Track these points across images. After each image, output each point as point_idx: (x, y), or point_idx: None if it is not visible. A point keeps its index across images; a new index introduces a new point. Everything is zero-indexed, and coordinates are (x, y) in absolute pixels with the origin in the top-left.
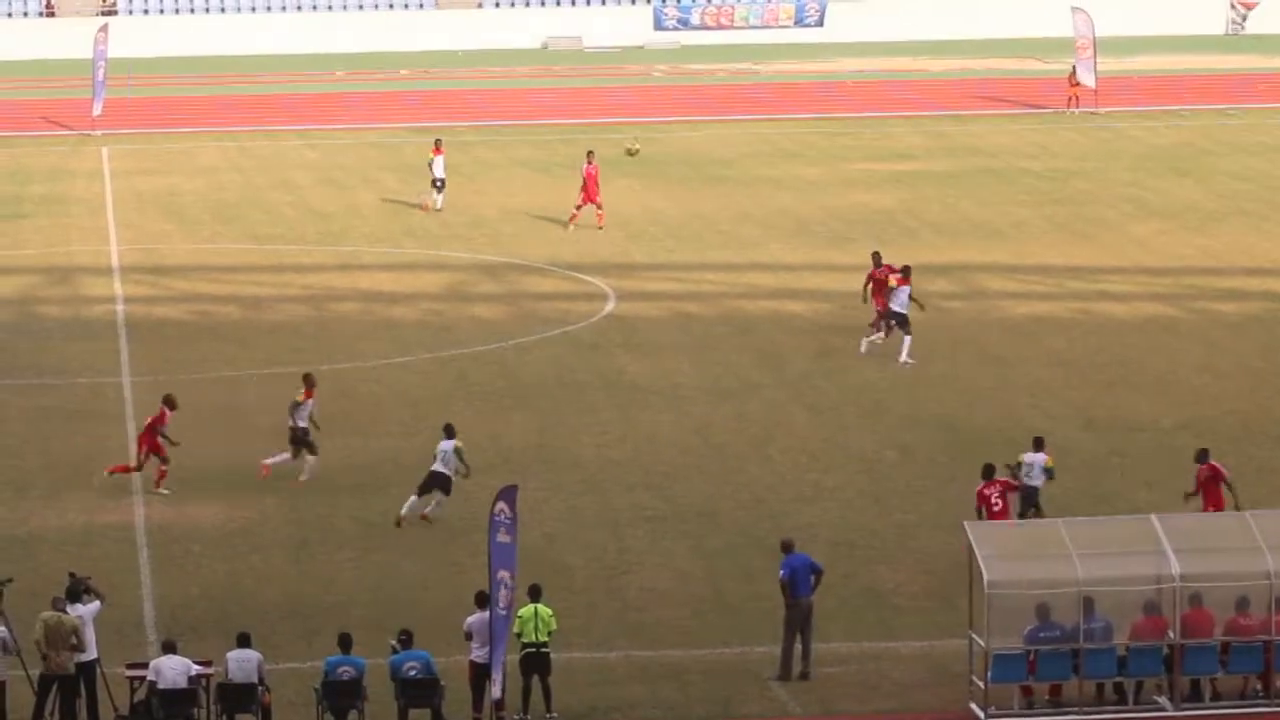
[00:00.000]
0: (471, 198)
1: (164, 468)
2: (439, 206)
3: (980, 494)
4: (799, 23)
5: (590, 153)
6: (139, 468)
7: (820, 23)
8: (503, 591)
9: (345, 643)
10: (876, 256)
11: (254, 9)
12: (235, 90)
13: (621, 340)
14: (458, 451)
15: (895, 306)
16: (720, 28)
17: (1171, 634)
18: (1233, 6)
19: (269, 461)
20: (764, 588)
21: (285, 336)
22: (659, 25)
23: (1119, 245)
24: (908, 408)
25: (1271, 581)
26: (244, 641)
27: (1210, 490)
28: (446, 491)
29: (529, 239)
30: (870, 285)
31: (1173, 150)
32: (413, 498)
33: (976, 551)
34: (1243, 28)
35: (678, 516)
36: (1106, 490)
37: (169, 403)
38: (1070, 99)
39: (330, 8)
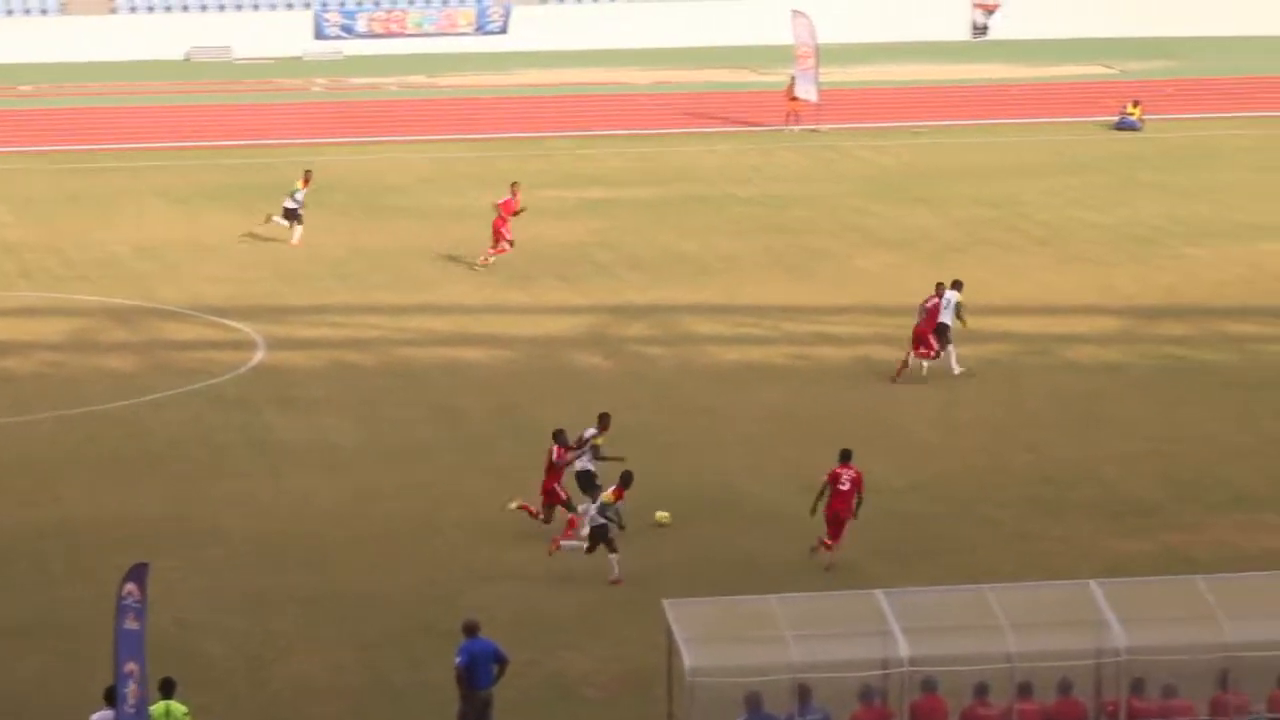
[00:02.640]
0: (101, 232)
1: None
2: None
3: (833, 474)
4: (480, 30)
5: (515, 184)
6: (545, 520)
7: (504, 29)
8: (131, 686)
9: None
10: (940, 287)
11: None
12: None
13: (272, 395)
14: (603, 507)
15: (944, 318)
16: (390, 35)
17: None
18: (975, 8)
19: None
20: (433, 676)
21: None
22: (320, 34)
23: (843, 281)
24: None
25: (1013, 665)
26: None
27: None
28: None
29: (166, 280)
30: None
31: (905, 172)
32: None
33: (675, 633)
34: (985, 33)
35: (335, 597)
36: (823, 560)
37: (559, 439)
38: (789, 115)
39: None
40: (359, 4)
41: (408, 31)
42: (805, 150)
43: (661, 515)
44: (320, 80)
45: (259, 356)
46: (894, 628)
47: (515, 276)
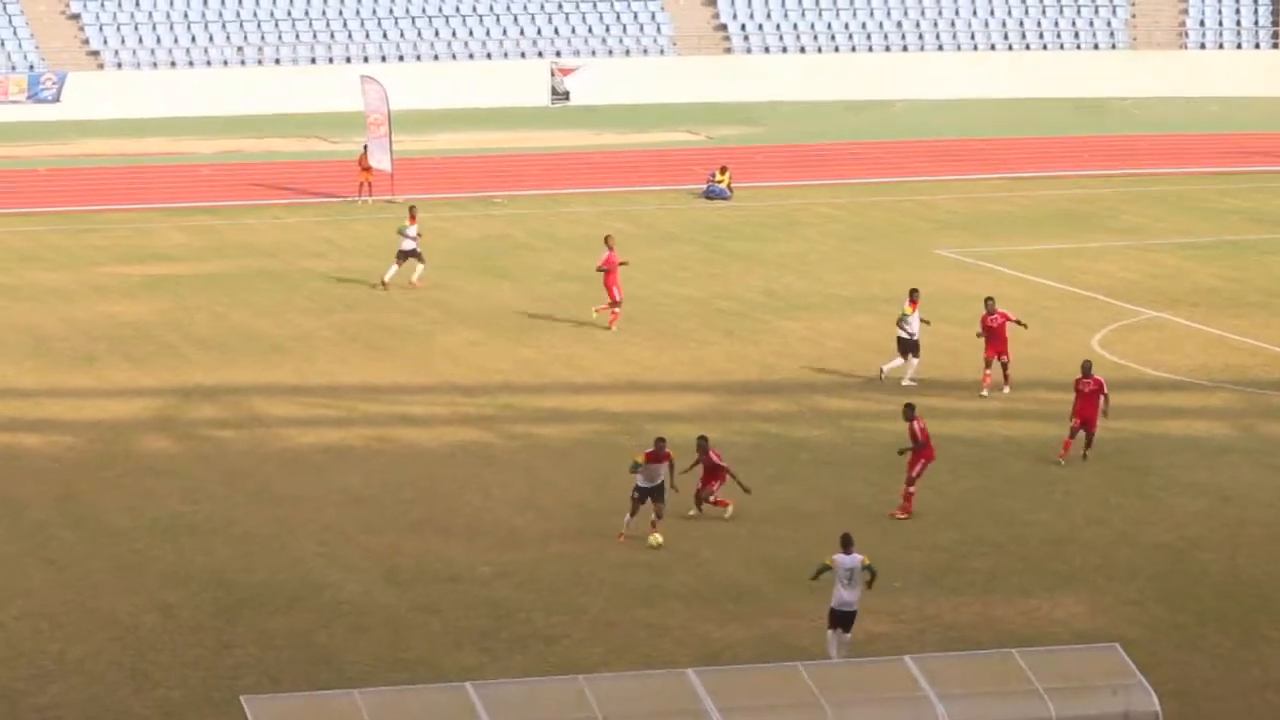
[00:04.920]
0: None
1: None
2: (415, 280)
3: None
4: (33, 98)
5: (609, 237)
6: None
7: (58, 98)
8: None
9: None
10: (990, 302)
11: None
12: None
13: None
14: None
15: (911, 333)
16: None
17: None
18: (555, 73)
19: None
20: None
21: None
22: None
23: (424, 360)
24: (171, 561)
25: None
26: None
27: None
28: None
29: None
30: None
31: (486, 245)
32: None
33: None
34: (568, 99)
35: None
36: (414, 654)
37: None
38: (362, 186)
39: None
40: None
41: None
42: (380, 222)
43: (655, 539)
44: None
45: None
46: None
47: (77, 358)
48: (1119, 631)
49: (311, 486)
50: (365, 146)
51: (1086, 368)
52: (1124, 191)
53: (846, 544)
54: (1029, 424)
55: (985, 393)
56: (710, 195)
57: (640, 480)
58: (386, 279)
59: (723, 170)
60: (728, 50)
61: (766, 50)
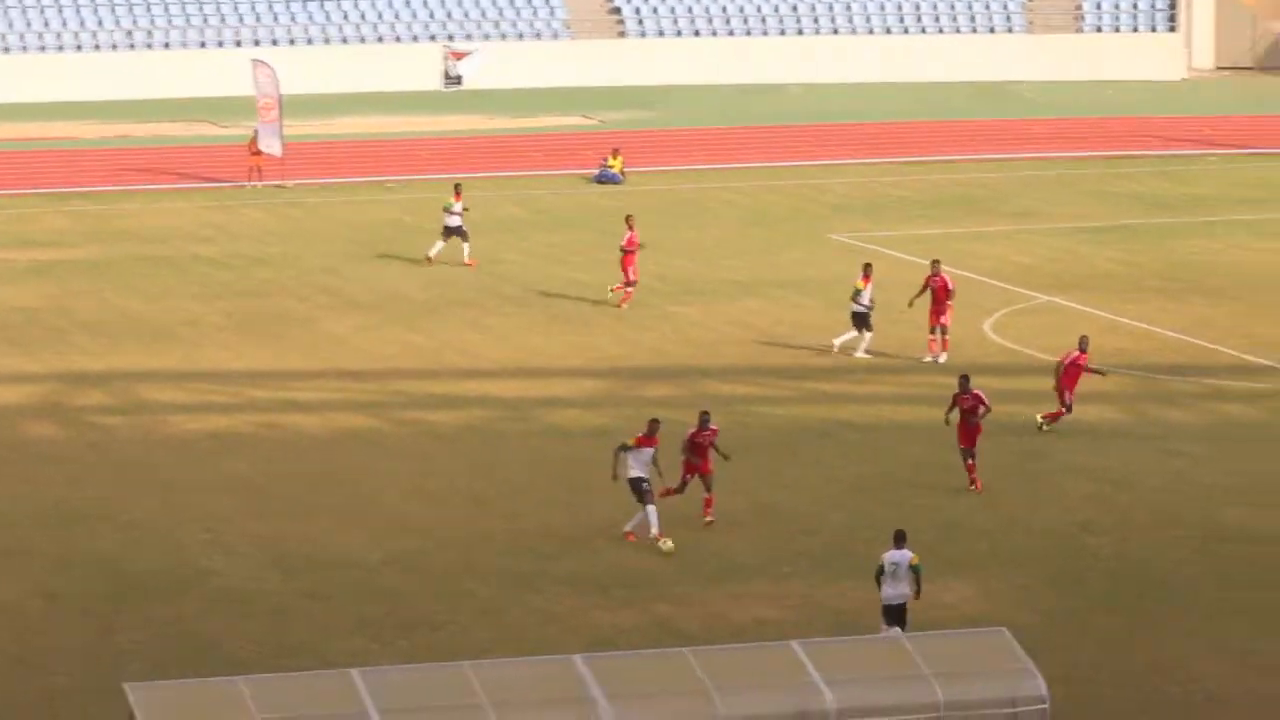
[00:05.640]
0: None
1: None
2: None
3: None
4: None
5: (629, 217)
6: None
7: None
8: None
9: None
10: (935, 264)
11: None
12: None
13: None
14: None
15: (865, 305)
16: None
17: None
18: (448, 57)
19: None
20: None
21: None
22: None
23: (312, 345)
24: (58, 547)
25: None
26: None
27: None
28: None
29: None
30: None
31: (377, 230)
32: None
33: (139, 719)
34: (460, 83)
35: None
36: (297, 640)
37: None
38: (252, 170)
39: None
40: None
41: None
42: (270, 207)
43: (666, 545)
44: None
45: None
46: (369, 707)
47: None
48: (1008, 616)
49: (199, 473)
50: (255, 131)
51: (1083, 343)
52: (1019, 175)
53: (899, 539)
54: (921, 408)
55: (929, 358)
56: (602, 180)
57: (633, 469)
58: (432, 254)
59: (615, 154)
60: (622, 34)
61: (661, 34)
